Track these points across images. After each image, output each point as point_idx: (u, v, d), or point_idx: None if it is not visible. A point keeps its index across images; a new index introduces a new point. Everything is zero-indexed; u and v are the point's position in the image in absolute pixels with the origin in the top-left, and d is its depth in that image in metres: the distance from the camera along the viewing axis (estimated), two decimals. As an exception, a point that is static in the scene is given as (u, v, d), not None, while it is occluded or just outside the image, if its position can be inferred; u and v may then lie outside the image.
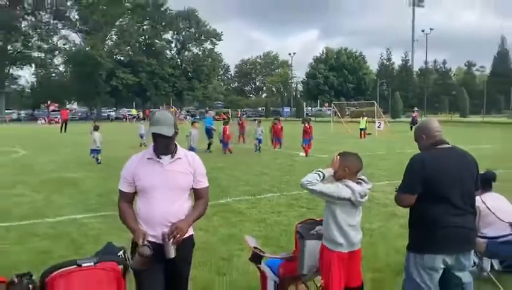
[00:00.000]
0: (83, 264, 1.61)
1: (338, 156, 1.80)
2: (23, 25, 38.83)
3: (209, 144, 12.53)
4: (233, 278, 2.84)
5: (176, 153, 1.65)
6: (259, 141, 12.76)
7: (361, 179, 1.84)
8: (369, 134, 18.36)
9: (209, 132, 12.84)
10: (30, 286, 1.59)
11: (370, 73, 52.41)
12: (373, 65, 53.83)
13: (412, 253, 1.81)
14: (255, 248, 2.27)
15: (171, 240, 1.46)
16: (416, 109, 27.11)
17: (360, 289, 1.89)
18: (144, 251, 1.47)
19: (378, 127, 20.33)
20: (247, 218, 4.76)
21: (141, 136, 13.18)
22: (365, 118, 18.59)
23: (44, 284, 1.59)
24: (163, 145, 1.61)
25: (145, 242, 1.50)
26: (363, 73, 50.46)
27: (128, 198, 1.68)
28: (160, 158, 1.62)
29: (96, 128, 10.09)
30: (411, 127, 19.20)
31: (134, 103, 45.22)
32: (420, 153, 1.88)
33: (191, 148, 9.28)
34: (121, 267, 1.73)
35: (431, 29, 44.79)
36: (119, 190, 1.68)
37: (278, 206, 5.35)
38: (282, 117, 30.67)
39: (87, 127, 14.27)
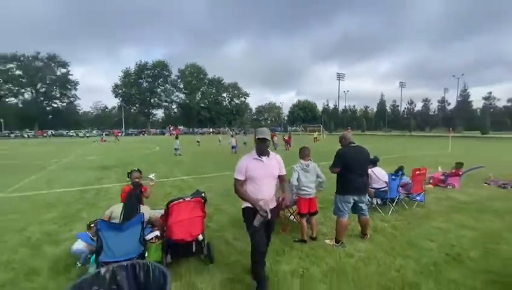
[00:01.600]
0: (186, 199, 3.28)
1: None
2: (158, 90, 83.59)
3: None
4: None
5: (269, 155, 2.72)
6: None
7: (310, 159, 4.04)
8: (318, 140, 32.46)
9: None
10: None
11: (318, 111, 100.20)
12: (320, 108, 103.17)
13: (338, 194, 3.89)
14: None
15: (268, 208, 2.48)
16: (349, 127, 48.88)
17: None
18: (265, 214, 2.41)
19: (323, 136, 44.09)
20: None
21: (232, 147, 19.35)
22: (316, 132, 37.85)
23: (168, 207, 3.21)
24: (265, 146, 2.63)
25: (266, 208, 2.44)
26: (316, 111, 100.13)
27: (241, 184, 2.68)
28: (262, 158, 2.67)
29: (177, 138, 18.31)
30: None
31: (208, 126, 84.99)
32: (342, 148, 4.00)
33: (233, 147, 18.51)
34: (203, 200, 3.41)
35: (347, 90, 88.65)
36: (236, 178, 2.68)
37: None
38: (277, 132, 47.45)
39: (186, 138, 36.12)
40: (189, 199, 3.33)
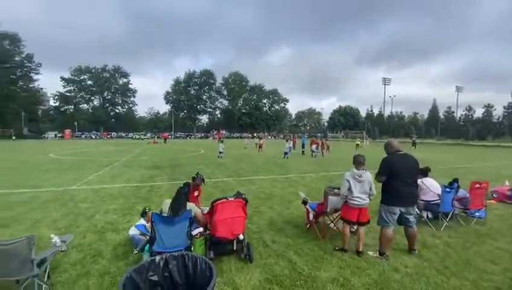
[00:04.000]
0: (229, 199, 3.47)
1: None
2: (204, 97, 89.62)
3: (303, 151, 22.30)
4: (293, 211, 6.03)
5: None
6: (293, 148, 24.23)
7: (364, 168, 3.81)
8: (361, 147, 32.56)
9: (304, 145, 22.87)
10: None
11: (361, 117, 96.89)
12: (362, 114, 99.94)
13: (383, 204, 3.70)
14: (304, 197, 4.23)
15: None
16: (414, 135, 44.75)
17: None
18: None
19: (366, 143, 41.34)
20: (298, 184, 9.13)
21: (286, 153, 19.35)
22: (358, 138, 37.39)
23: (213, 206, 3.43)
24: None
25: None
26: (358, 117, 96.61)
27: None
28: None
29: (221, 141, 20.40)
30: (413, 144, 33.61)
31: (249, 131, 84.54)
32: (387, 156, 3.81)
33: (286, 153, 18.93)
34: (244, 201, 3.58)
35: (394, 95, 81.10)
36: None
37: (315, 180, 10.22)
38: (317, 138, 45.63)
39: (228, 141, 41.09)
40: (232, 199, 3.53)
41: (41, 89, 65.65)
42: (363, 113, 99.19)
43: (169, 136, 60.48)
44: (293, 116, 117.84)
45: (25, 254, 2.53)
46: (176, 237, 3.18)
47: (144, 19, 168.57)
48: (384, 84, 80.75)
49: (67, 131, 61.91)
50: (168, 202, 3.48)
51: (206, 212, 3.84)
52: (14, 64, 56.78)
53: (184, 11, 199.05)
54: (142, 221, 4.10)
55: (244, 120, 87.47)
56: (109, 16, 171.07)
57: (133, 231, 3.93)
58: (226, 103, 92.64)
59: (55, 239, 3.04)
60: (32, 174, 10.74)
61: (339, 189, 4.19)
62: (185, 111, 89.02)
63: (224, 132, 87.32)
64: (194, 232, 3.56)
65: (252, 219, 5.33)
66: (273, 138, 77.76)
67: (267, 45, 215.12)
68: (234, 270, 3.34)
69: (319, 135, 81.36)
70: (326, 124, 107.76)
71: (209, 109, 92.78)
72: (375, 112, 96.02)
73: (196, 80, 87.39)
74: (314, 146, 21.51)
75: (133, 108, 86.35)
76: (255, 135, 66.55)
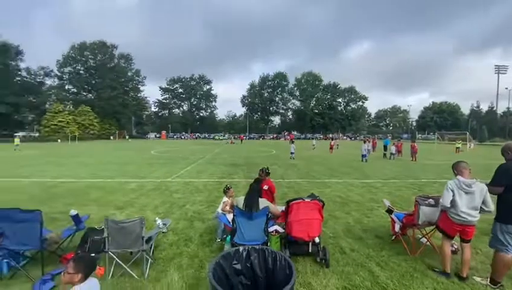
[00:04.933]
0: (305, 199, 3.42)
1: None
2: (276, 99, 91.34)
3: (384, 154, 19.79)
4: (374, 219, 5.51)
5: None
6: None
7: (473, 177, 3.07)
8: (462, 151, 26.64)
9: (386, 147, 20.16)
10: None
11: (462, 116, 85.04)
12: (464, 111, 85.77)
13: (498, 222, 2.98)
14: (389, 206, 3.83)
15: None
16: None
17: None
18: None
19: (470, 147, 32.81)
20: (380, 191, 8.28)
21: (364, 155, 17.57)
22: (459, 140, 28.35)
23: (289, 205, 3.46)
24: None
25: None
26: (458, 115, 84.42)
27: None
28: None
29: (292, 142, 20.00)
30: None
31: (321, 132, 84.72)
32: (506, 162, 3.05)
33: (364, 155, 17.10)
34: (321, 204, 3.49)
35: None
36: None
37: (401, 187, 8.99)
38: (403, 139, 40.80)
39: (299, 142, 41.76)
40: (308, 200, 3.50)
41: (146, 97, 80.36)
42: (464, 110, 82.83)
43: (245, 137, 64.20)
44: (373, 116, 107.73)
45: (138, 232, 3.14)
46: (254, 232, 3.37)
47: (223, 29, 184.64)
48: (498, 73, 64.84)
49: (163, 132, 73.52)
50: (241, 198, 3.71)
51: (281, 210, 3.92)
52: (127, 78, 71.12)
53: (260, 16, 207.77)
54: (224, 198, 4.45)
55: (317, 120, 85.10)
56: (195, 31, 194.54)
57: (218, 213, 4.35)
58: (298, 103, 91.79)
59: (159, 222, 3.66)
60: (140, 167, 13.20)
61: (434, 198, 3.60)
62: (259, 113, 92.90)
63: (295, 132, 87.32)
64: (270, 229, 3.69)
65: (328, 223, 5.13)
66: (349, 139, 72.85)
67: (344, 40, 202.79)
68: (310, 273, 3.29)
69: (404, 136, 71.75)
70: (414, 123, 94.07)
71: (281, 111, 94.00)
72: (484, 108, 78.03)
73: (270, 83, 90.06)
74: (393, 148, 19.48)
75: (214, 111, 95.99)
76: (330, 136, 63.56)
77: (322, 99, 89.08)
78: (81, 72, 64.53)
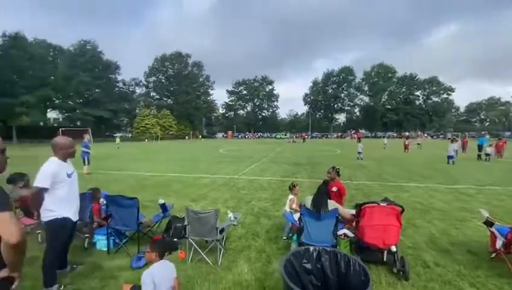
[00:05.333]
0: (380, 204, 3.14)
1: None
2: (341, 95, 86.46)
3: (479, 155, 16.67)
4: (465, 232, 4.72)
5: None
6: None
7: None
8: None
9: (480, 147, 16.81)
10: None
11: None
12: None
13: None
14: (488, 217, 3.22)
15: None
16: None
17: None
18: None
19: None
20: (473, 199, 7.02)
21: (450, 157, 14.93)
22: None
23: (361, 209, 3.25)
24: None
25: None
26: None
27: None
28: None
29: (359, 141, 18.51)
30: None
31: (394, 129, 78.11)
32: None
33: (451, 157, 14.55)
34: (399, 209, 3.16)
35: None
36: None
37: (502, 196, 7.39)
38: (505, 138, 34.77)
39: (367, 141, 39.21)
40: (384, 204, 3.21)
41: (214, 100, 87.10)
42: None
43: (307, 136, 62.92)
44: (462, 110, 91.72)
45: (213, 223, 3.44)
46: (322, 233, 3.28)
47: (284, 29, 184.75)
48: None
49: (229, 132, 78.32)
50: (309, 198, 3.64)
51: (351, 213, 3.70)
52: (199, 84, 78.32)
53: (323, 10, 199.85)
54: (290, 196, 4.46)
55: (389, 117, 76.87)
56: (259, 33, 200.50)
57: (286, 212, 4.40)
58: (366, 99, 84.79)
59: (230, 215, 3.93)
60: (211, 164, 14.39)
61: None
62: (322, 111, 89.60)
63: (363, 131, 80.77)
64: (339, 232, 3.53)
65: (406, 231, 4.59)
66: (430, 138, 63.34)
67: (423, 25, 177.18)
68: (385, 284, 3.02)
69: (507, 133, 58.36)
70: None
71: (347, 107, 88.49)
72: None
73: (334, 79, 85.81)
74: (489, 149, 16.28)
75: (276, 111, 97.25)
76: (406, 134, 56.34)
77: (395, 93, 79.94)
78: (162, 80, 74.39)
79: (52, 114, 57.92)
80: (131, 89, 71.86)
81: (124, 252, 3.78)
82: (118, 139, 32.97)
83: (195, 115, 74.27)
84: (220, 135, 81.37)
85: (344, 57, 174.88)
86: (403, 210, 3.26)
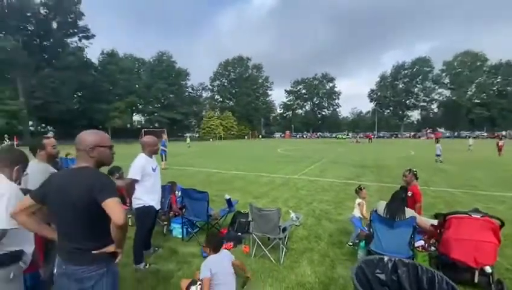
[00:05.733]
0: (472, 215, 2.67)
1: None
2: (415, 90, 76.40)
3: None
4: None
5: None
6: None
7: None
8: None
9: None
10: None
11: None
12: None
13: None
14: None
15: None
16: None
17: None
18: None
19: None
20: None
21: None
22: None
23: (445, 219, 2.83)
24: None
25: None
26: None
27: None
28: None
29: (437, 141, 15.82)
30: None
31: (484, 128, 66.12)
32: None
33: None
34: (498, 223, 2.64)
35: None
36: None
37: None
38: None
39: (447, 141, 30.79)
40: (478, 216, 2.72)
41: (273, 101, 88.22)
42: None
43: (373, 136, 57.99)
44: None
45: (275, 221, 3.49)
46: (395, 242, 2.98)
47: (348, 22, 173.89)
48: None
49: (287, 132, 78.20)
50: (383, 203, 3.34)
51: (431, 224, 3.26)
52: (258, 85, 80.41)
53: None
54: (358, 200, 4.17)
55: (478, 113, 64.40)
56: (319, 30, 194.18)
57: (354, 217, 4.16)
58: (447, 93, 72.98)
59: (293, 215, 3.92)
60: (269, 164, 14.64)
61: None
62: (391, 108, 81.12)
63: (442, 130, 69.83)
64: (416, 244, 3.15)
65: (504, 251, 3.80)
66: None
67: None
68: (477, 310, 2.56)
69: None
70: None
71: (421, 103, 77.83)
72: None
73: (406, 72, 76.63)
74: None
75: (337, 109, 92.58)
76: (502, 134, 46.17)
77: (486, 85, 66.40)
78: (225, 84, 79.22)
79: (136, 117, 68.01)
80: (198, 94, 78.89)
81: (196, 241, 4.17)
82: (188, 139, 36.47)
83: (254, 115, 76.64)
84: (277, 134, 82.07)
85: (418, 47, 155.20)
86: (503, 225, 2.70)
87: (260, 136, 71.16)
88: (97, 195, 1.44)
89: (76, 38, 40.85)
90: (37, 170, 2.38)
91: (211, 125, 61.12)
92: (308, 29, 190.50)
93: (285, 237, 3.77)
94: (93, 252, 1.53)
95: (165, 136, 12.91)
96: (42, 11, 35.75)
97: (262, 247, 3.60)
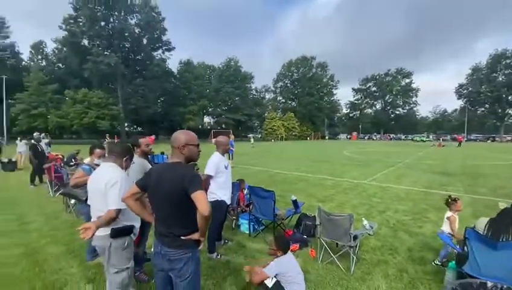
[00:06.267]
0: None
1: None
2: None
3: None
4: None
5: None
6: None
7: None
8: None
9: None
10: None
11: None
12: None
13: None
14: None
15: None
16: None
17: None
18: None
19: None
20: None
21: None
22: None
23: None
24: None
25: None
26: None
27: None
28: None
29: None
30: None
31: None
32: None
33: None
34: None
35: None
36: None
37: None
38: None
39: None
40: None
41: (338, 100, 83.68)
42: None
43: (463, 138, 49.16)
44: None
45: (346, 227, 3.30)
46: (498, 267, 2.45)
47: (431, 9, 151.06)
48: None
49: (354, 133, 73.13)
50: (484, 220, 2.79)
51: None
52: (323, 84, 77.50)
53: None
54: (448, 213, 3.56)
55: None
56: (393, 22, 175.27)
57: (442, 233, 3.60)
58: None
59: (366, 223, 3.64)
60: (334, 166, 13.96)
61: None
62: (486, 106, 66.82)
63: None
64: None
65: None
66: None
67: None
68: None
69: None
70: None
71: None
72: None
73: (508, 62, 62.03)
74: None
75: (414, 108, 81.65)
76: None
77: None
78: (288, 85, 79.17)
79: (206, 119, 74.38)
80: (261, 95, 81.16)
81: (262, 238, 4.29)
82: (252, 139, 37.90)
83: (317, 116, 74.22)
84: (343, 136, 77.60)
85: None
86: None
87: (326, 137, 68.41)
88: (187, 187, 1.64)
89: (160, 51, 47.17)
90: (137, 163, 2.90)
91: (272, 126, 62.05)
92: (379, 22, 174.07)
93: (356, 246, 3.52)
94: (182, 237, 1.73)
95: (232, 137, 13.75)
96: (136, 30, 42.54)
97: (331, 253, 3.45)
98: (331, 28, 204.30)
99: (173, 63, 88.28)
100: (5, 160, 11.57)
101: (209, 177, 3.54)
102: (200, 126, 66.60)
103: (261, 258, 3.63)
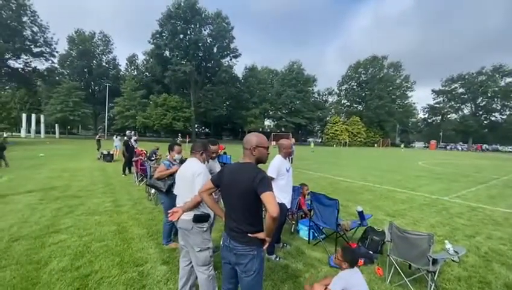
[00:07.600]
0: None
1: None
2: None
3: None
4: None
5: None
6: None
7: None
8: None
9: None
10: None
11: None
12: None
13: None
14: None
15: None
16: None
17: None
18: None
19: None
20: None
21: None
22: None
23: None
24: None
25: None
26: None
27: None
28: None
29: None
30: None
31: None
32: None
33: None
34: None
35: None
36: None
37: None
38: None
39: None
40: None
41: (413, 103, 74.05)
42: None
43: None
44: None
45: (424, 249, 2.91)
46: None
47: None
48: None
49: (433, 141, 63.73)
50: None
51: None
52: (395, 86, 69.92)
53: None
54: None
55: None
56: (491, 12, 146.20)
57: None
58: None
59: (449, 246, 3.14)
60: (407, 178, 12.44)
61: None
62: None
63: None
64: None
65: None
66: None
67: None
68: None
69: None
70: None
71: None
72: None
73: None
74: None
75: (518, 114, 66.14)
76: None
77: None
78: (354, 87, 74.33)
79: (267, 122, 75.94)
80: (324, 98, 78.25)
81: (322, 247, 4.13)
82: (312, 144, 37.09)
83: (387, 120, 67.36)
84: (419, 144, 68.39)
85: None
86: None
87: (401, 145, 61.03)
88: (257, 187, 1.71)
89: (228, 58, 50.62)
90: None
91: (335, 130, 59.21)
92: (471, 13, 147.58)
93: (436, 272, 3.06)
94: (249, 235, 1.82)
95: (293, 140, 13.67)
96: (208, 40, 46.70)
97: (402, 275, 3.09)
98: (408, 24, 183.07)
99: (239, 69, 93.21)
100: (106, 152, 14.22)
101: (271, 179, 3.60)
102: (260, 129, 68.46)
103: (320, 267, 3.51)
